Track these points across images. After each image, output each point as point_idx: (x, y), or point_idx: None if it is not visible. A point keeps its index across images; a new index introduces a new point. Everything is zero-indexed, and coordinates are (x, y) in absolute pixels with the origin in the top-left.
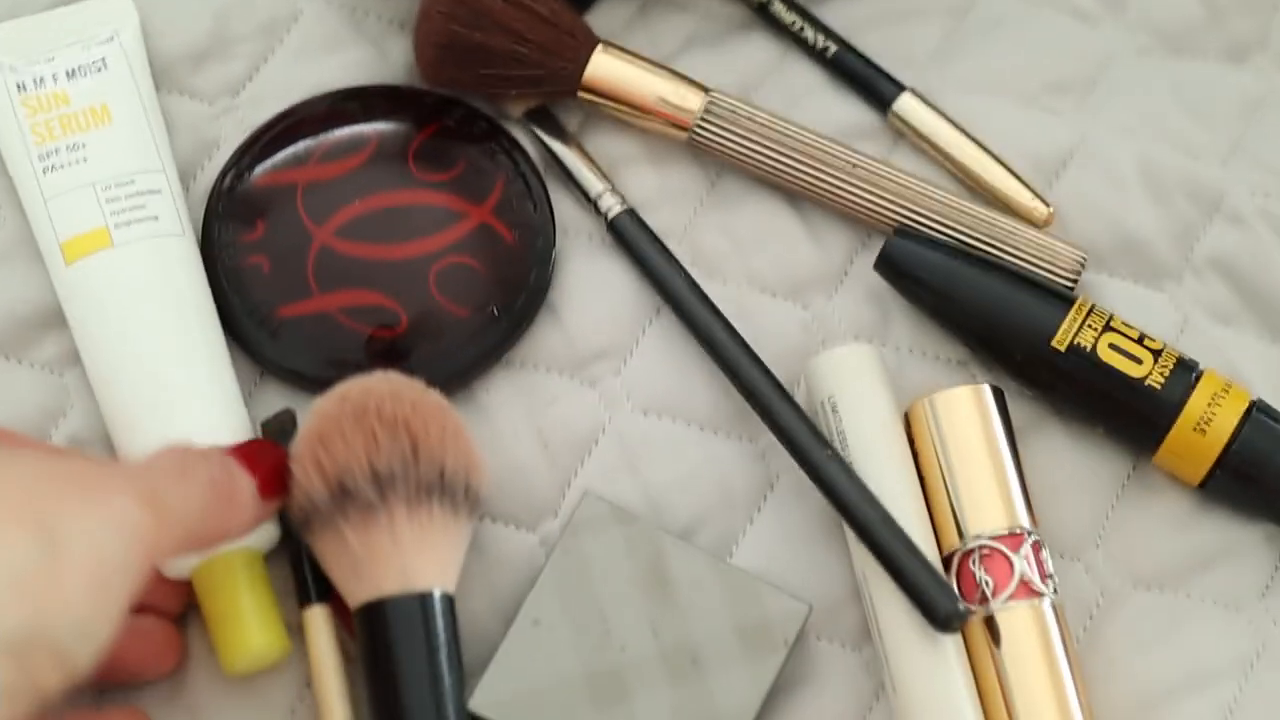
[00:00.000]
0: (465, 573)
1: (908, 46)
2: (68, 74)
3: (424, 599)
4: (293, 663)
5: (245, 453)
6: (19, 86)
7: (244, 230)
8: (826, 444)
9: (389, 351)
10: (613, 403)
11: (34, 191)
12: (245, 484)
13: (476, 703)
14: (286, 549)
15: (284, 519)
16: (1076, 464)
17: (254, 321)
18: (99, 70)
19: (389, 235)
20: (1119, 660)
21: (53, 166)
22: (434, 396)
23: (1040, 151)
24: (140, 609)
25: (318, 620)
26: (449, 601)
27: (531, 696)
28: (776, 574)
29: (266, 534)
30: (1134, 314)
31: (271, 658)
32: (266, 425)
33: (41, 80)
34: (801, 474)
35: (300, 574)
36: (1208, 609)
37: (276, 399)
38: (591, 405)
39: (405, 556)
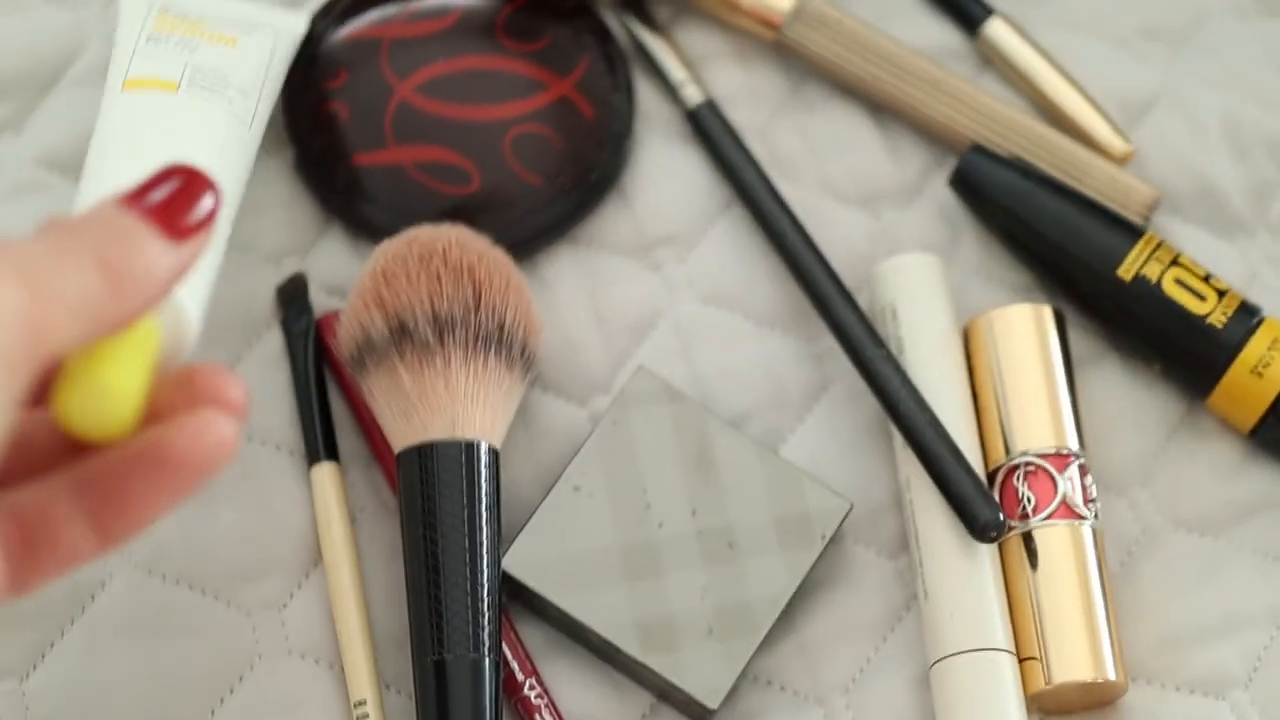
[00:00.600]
0: (511, 438)
1: None
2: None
3: (470, 448)
4: (307, 525)
5: (146, 198)
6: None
7: (327, 77)
8: (882, 344)
9: (458, 210)
10: (674, 289)
11: (126, 51)
12: (149, 249)
13: (508, 562)
14: (295, 407)
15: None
16: (1130, 400)
17: (326, 166)
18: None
19: (469, 96)
20: (1152, 598)
21: (156, 40)
22: (500, 253)
23: (1125, 93)
24: None
25: (326, 478)
26: (494, 455)
27: (564, 562)
28: (820, 475)
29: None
30: (1202, 261)
31: (109, 416)
32: (280, 290)
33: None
34: (855, 381)
35: (309, 431)
36: (1246, 557)
37: (340, 246)
38: (652, 289)
39: (456, 404)
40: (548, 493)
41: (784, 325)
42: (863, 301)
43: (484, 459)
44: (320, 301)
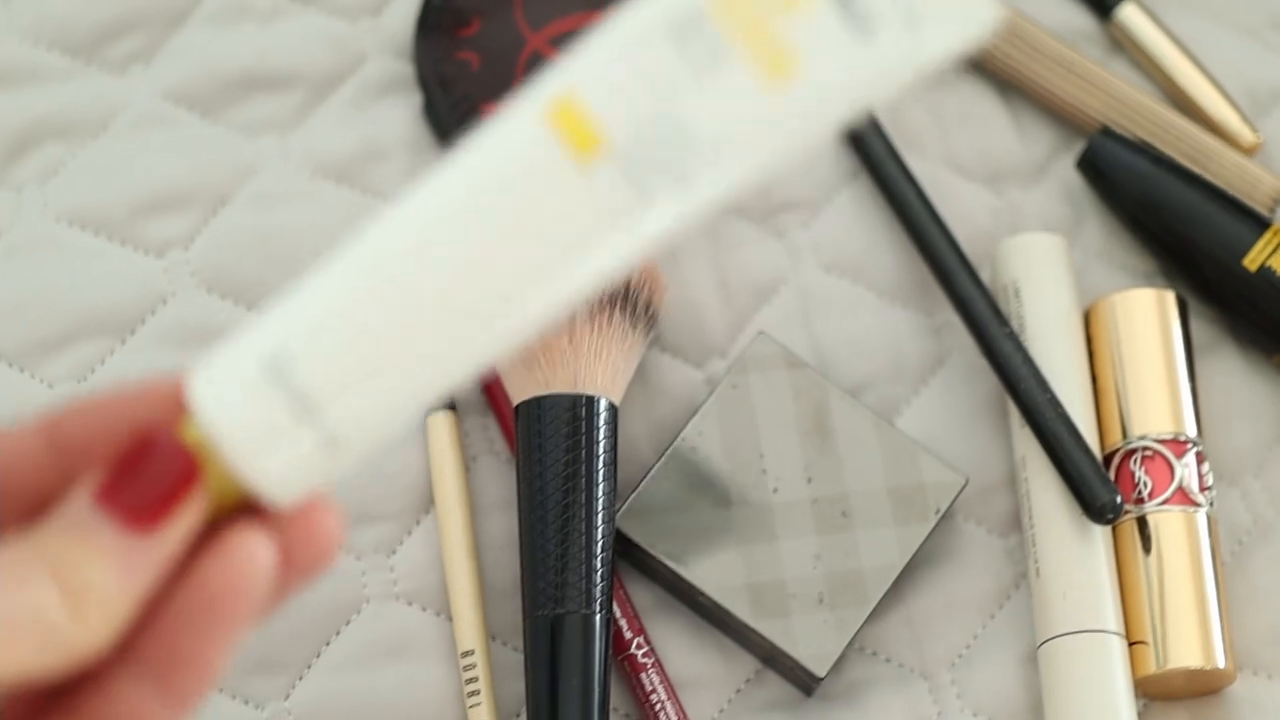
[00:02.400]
0: (628, 397)
1: None
2: None
3: (590, 402)
4: (419, 472)
5: (118, 493)
6: None
7: (458, 26)
8: (1005, 322)
9: None
10: (797, 255)
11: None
12: (109, 557)
13: (622, 520)
14: None
15: None
16: (1248, 390)
17: (456, 114)
18: None
19: None
20: (1262, 590)
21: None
22: None
23: (1255, 83)
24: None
25: (441, 426)
26: (613, 412)
27: (676, 522)
28: (934, 448)
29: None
30: None
31: None
32: None
33: None
34: (973, 356)
35: None
36: None
37: None
38: (775, 254)
39: (579, 358)
40: (663, 453)
41: (905, 297)
42: (984, 278)
43: (603, 415)
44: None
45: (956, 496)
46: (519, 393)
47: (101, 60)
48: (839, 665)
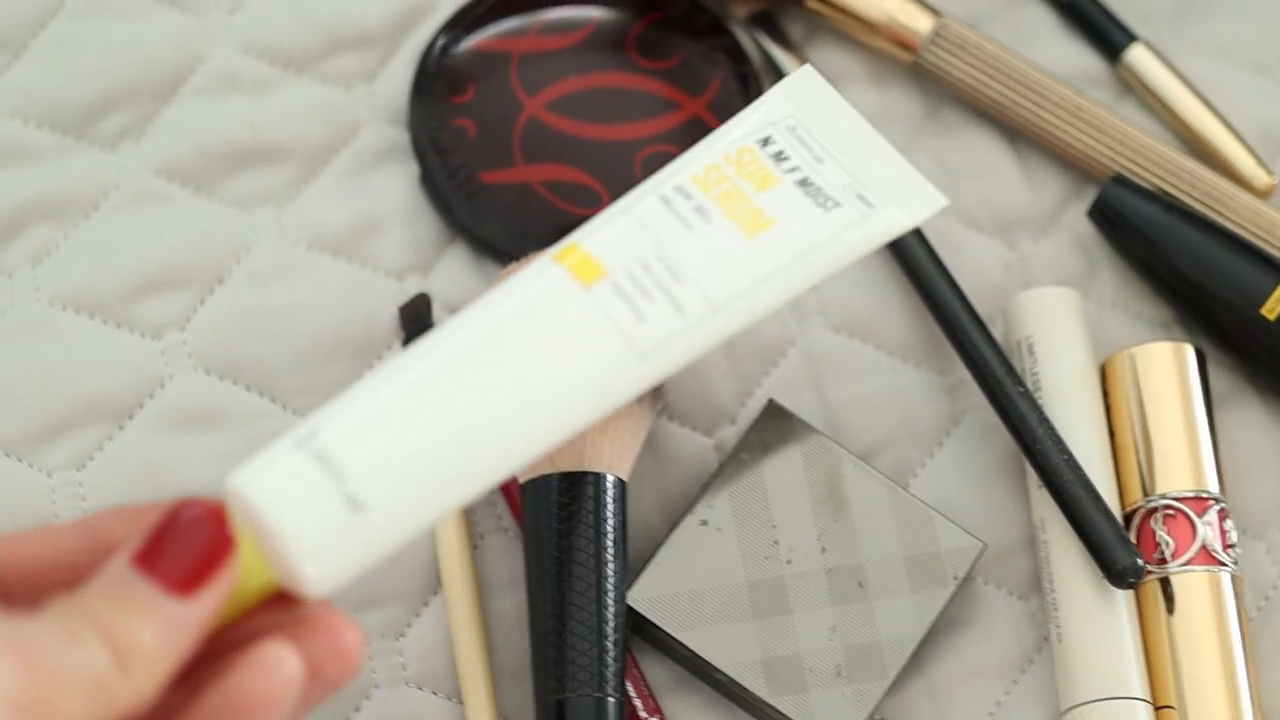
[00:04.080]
0: (637, 467)
1: (1146, 1)
2: None
3: (598, 480)
4: (425, 552)
5: (158, 557)
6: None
7: (454, 92)
8: (1019, 380)
9: None
10: (804, 316)
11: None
12: (158, 617)
13: (634, 597)
14: None
15: None
16: (1270, 440)
17: (454, 183)
18: None
19: (600, 115)
20: None
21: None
22: None
23: (1268, 123)
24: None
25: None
26: (622, 488)
27: (690, 598)
28: (951, 512)
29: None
30: None
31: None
32: (403, 310)
33: None
34: (987, 415)
35: None
36: None
37: (463, 264)
38: (782, 316)
39: (585, 435)
40: (674, 527)
41: (916, 357)
42: (997, 334)
43: (611, 492)
44: (442, 321)
45: (975, 563)
46: (525, 471)
47: (91, 137)
48: None
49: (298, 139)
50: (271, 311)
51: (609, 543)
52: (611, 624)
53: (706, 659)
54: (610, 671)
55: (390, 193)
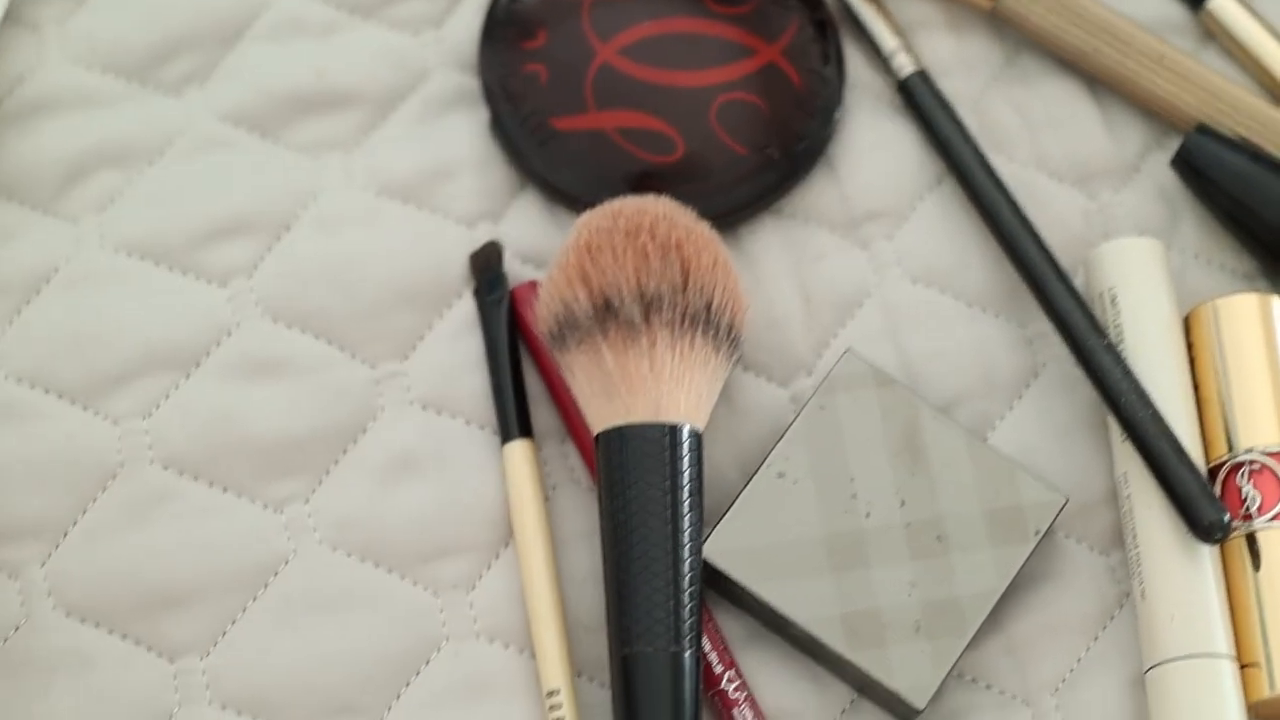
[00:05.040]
0: (711, 419)
1: None
2: None
3: (673, 431)
4: (497, 503)
5: None
6: None
7: (524, 37)
8: (1103, 333)
9: (659, 178)
10: (882, 267)
11: None
12: None
13: (709, 550)
14: (487, 380)
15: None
16: None
17: (525, 130)
18: None
19: (675, 61)
20: None
21: None
22: (707, 228)
23: None
24: None
25: (518, 456)
26: (697, 439)
27: (766, 550)
28: (1030, 465)
29: None
30: None
31: None
32: (474, 257)
33: None
34: (1068, 367)
35: (502, 407)
36: None
37: (535, 212)
38: (860, 266)
39: (661, 385)
40: (750, 479)
41: (995, 307)
42: (1078, 285)
43: (687, 443)
44: (513, 270)
45: (1056, 517)
46: (598, 422)
47: (156, 83)
48: (938, 693)
49: (365, 84)
50: (339, 259)
51: (685, 494)
52: (688, 577)
53: (783, 613)
54: (687, 625)
55: (460, 139)
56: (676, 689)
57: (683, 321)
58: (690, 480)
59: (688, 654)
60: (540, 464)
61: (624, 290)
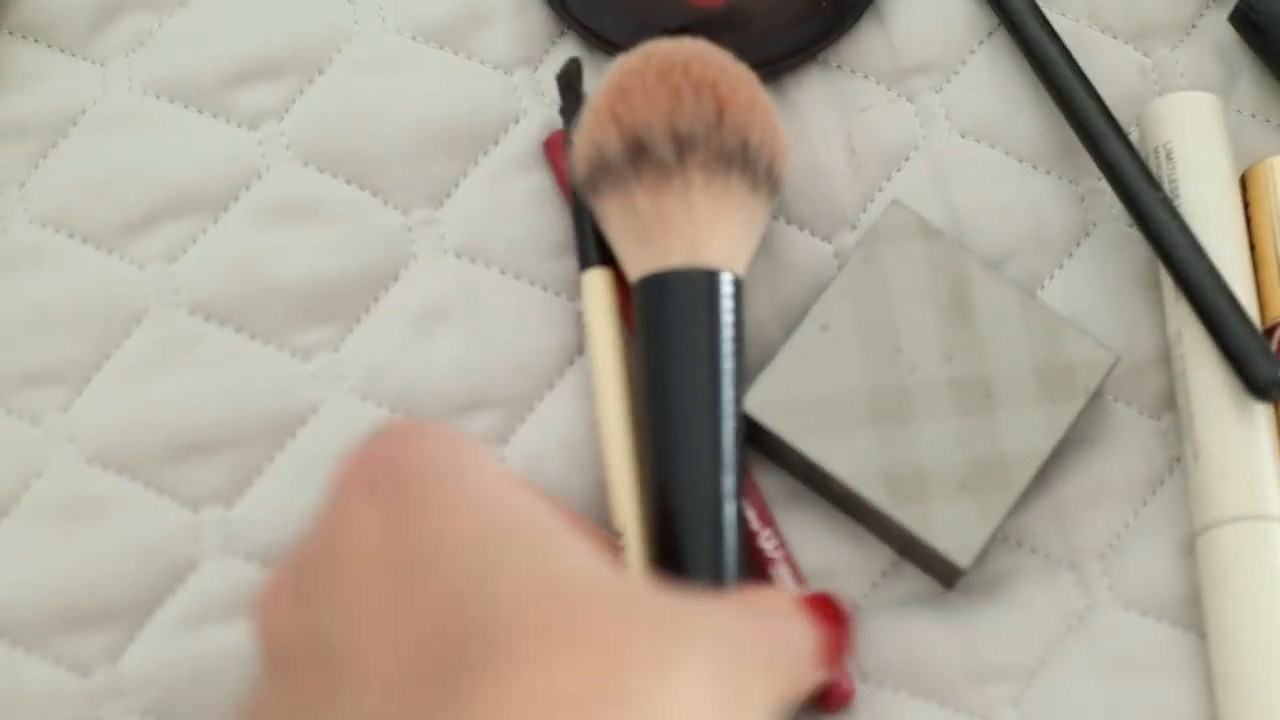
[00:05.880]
0: (752, 272)
1: None
2: None
3: (711, 276)
4: (532, 355)
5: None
6: None
7: None
8: (1157, 186)
9: (703, 24)
10: (930, 119)
11: None
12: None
13: (749, 404)
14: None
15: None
16: None
17: None
18: None
19: None
20: None
21: None
22: (743, 68)
23: None
24: None
25: (596, 284)
26: (738, 285)
27: (808, 404)
28: (1080, 323)
29: None
30: None
31: None
32: (558, 78)
33: None
34: (1121, 225)
35: (581, 234)
36: None
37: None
38: (907, 119)
39: (697, 228)
40: (792, 331)
41: (1046, 163)
42: (1132, 141)
43: (726, 289)
44: (549, 118)
45: (1107, 375)
46: (634, 269)
47: None
48: (981, 555)
49: None
50: (373, 103)
51: (724, 341)
52: (729, 428)
53: (824, 467)
54: (727, 475)
55: None
56: (717, 542)
57: (718, 162)
58: (730, 325)
59: (728, 505)
60: (616, 293)
61: (656, 130)
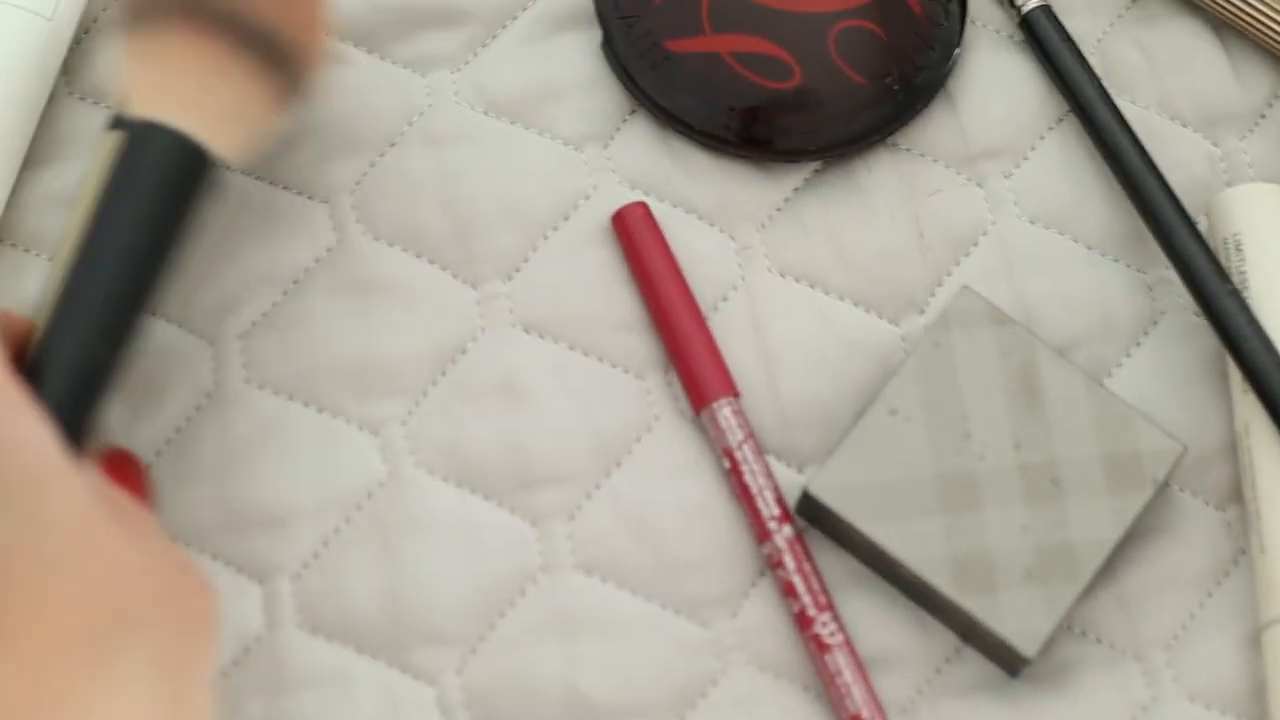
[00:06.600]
0: (817, 355)
1: None
2: None
3: (191, 151)
4: (639, 403)
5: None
6: None
7: None
8: (1226, 278)
9: (776, 106)
10: (999, 205)
11: None
12: None
13: (817, 486)
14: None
15: None
16: None
17: (637, 51)
18: None
19: None
20: None
21: None
22: None
23: None
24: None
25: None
26: (203, 163)
27: (876, 489)
28: (1147, 412)
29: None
30: None
31: None
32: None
33: None
34: (1188, 315)
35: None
36: None
37: (644, 136)
38: (976, 203)
39: (195, 91)
40: (861, 415)
41: (1115, 251)
42: (1201, 230)
43: (197, 165)
44: (621, 195)
45: (1175, 465)
46: (135, 106)
47: None
48: (1046, 644)
49: (476, 0)
50: (443, 176)
51: (164, 210)
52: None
53: (890, 553)
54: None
55: (570, 59)
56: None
57: (238, 36)
58: (176, 202)
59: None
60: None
61: None
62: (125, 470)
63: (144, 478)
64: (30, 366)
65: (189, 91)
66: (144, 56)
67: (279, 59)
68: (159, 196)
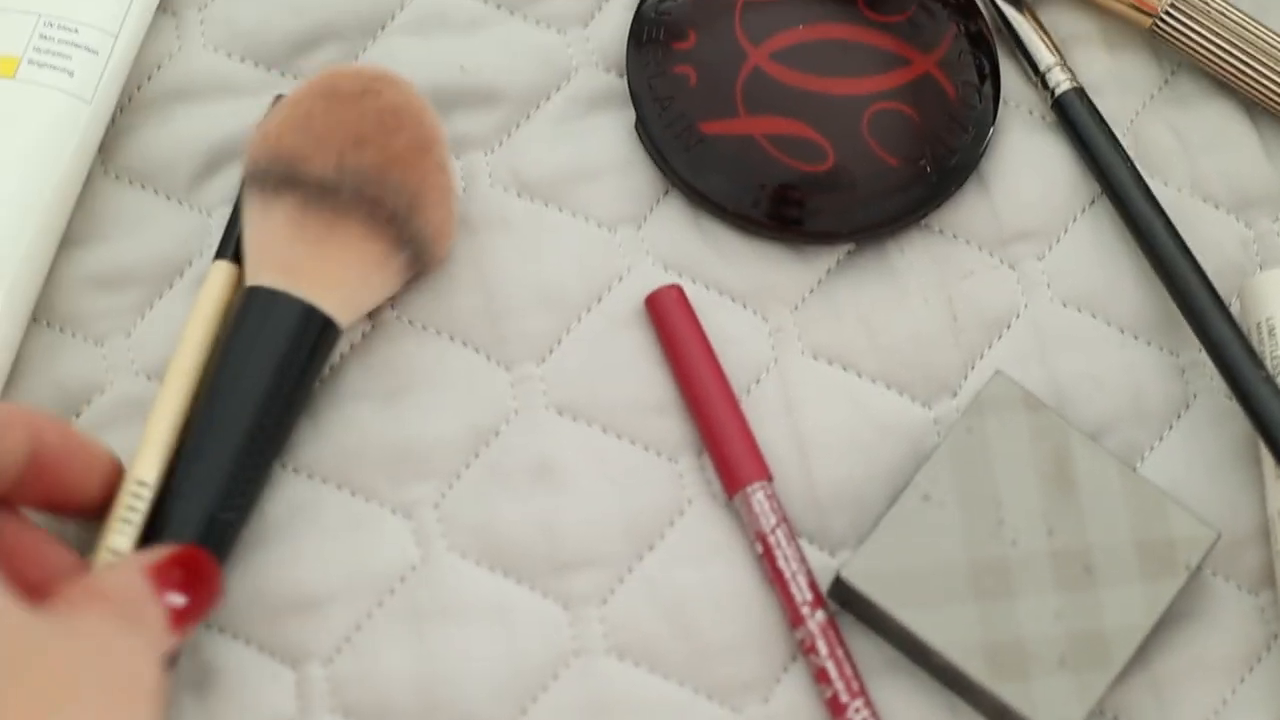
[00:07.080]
0: (850, 438)
1: None
2: None
3: (314, 316)
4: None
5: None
6: None
7: (674, 38)
8: (1260, 363)
9: (809, 188)
10: (1032, 287)
11: None
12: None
13: (850, 572)
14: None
15: None
16: None
17: (671, 133)
18: None
19: (827, 68)
20: None
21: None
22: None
23: None
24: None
25: (217, 275)
26: (331, 332)
27: (909, 574)
28: (1178, 497)
29: None
30: None
31: None
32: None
33: None
34: (1220, 399)
35: (230, 228)
36: None
37: (678, 217)
38: (1009, 286)
39: (322, 264)
40: (894, 500)
41: (1148, 334)
42: (1234, 314)
43: (323, 333)
44: (654, 277)
45: (1208, 552)
46: (252, 274)
47: (296, 72)
48: None
49: (509, 81)
50: (475, 259)
51: (291, 374)
52: (243, 446)
53: (924, 639)
54: (225, 494)
55: (604, 140)
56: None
57: (371, 212)
58: (306, 369)
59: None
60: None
61: (334, 152)
62: (201, 570)
63: (217, 579)
64: (154, 522)
65: (320, 265)
66: (288, 226)
67: (410, 247)
68: (287, 369)
